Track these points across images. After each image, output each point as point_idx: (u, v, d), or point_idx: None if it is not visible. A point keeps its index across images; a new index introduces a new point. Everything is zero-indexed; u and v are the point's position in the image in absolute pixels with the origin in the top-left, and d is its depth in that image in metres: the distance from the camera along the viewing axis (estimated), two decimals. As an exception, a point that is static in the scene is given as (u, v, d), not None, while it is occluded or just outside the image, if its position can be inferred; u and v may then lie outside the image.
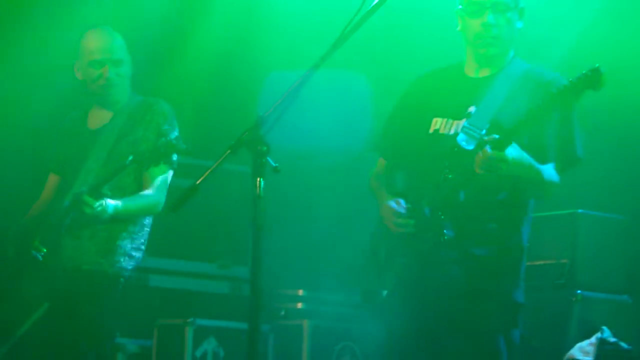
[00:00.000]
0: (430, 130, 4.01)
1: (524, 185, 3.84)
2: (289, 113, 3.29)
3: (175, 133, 4.76)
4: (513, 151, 3.65)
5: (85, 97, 5.01)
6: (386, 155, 4.26)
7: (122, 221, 4.70)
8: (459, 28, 4.07)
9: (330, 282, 6.73)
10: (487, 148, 3.60)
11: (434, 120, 4.02)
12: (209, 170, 3.43)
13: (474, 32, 3.99)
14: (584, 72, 3.49)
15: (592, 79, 3.47)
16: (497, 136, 3.62)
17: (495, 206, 3.89)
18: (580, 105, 3.73)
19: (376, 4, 3.41)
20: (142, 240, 4.82)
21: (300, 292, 6.79)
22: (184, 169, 4.97)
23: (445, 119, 4.00)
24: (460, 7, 4.05)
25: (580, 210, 5.62)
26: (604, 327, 5.35)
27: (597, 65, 3.48)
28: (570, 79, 3.52)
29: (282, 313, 6.71)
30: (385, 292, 3.99)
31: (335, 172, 6.97)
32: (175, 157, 4.66)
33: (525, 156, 3.72)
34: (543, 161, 3.82)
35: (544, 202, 4.04)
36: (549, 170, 3.84)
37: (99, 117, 4.95)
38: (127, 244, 4.74)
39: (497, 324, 3.85)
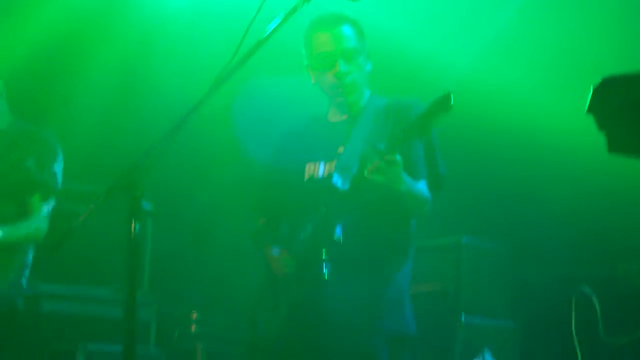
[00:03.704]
0: (305, 178, 4.06)
1: (404, 205, 3.86)
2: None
3: (56, 166, 4.76)
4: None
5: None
6: (266, 213, 4.28)
7: (4, 249, 4.67)
8: (313, 81, 4.13)
9: (225, 304, 6.74)
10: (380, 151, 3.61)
11: (307, 166, 4.08)
12: (87, 212, 3.45)
13: (328, 84, 4.07)
14: (437, 97, 3.52)
15: (444, 103, 3.48)
16: (382, 147, 3.62)
17: (375, 243, 3.93)
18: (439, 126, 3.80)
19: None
20: (28, 269, 4.80)
21: (194, 315, 6.79)
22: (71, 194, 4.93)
23: (317, 163, 4.05)
24: (306, 62, 4.11)
25: (464, 239, 5.74)
26: (486, 350, 5.47)
27: (448, 91, 3.49)
28: (426, 105, 3.54)
29: (175, 335, 6.70)
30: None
31: (232, 193, 6.98)
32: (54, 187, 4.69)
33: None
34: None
35: (422, 222, 4.07)
36: (422, 186, 3.91)
37: None
38: (10, 274, 4.71)
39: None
